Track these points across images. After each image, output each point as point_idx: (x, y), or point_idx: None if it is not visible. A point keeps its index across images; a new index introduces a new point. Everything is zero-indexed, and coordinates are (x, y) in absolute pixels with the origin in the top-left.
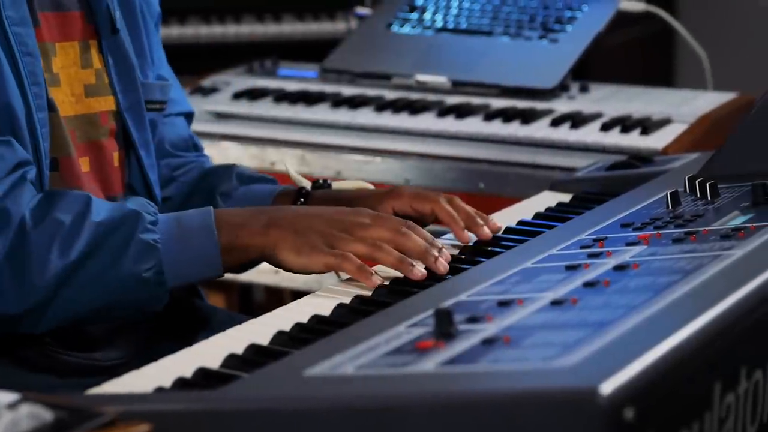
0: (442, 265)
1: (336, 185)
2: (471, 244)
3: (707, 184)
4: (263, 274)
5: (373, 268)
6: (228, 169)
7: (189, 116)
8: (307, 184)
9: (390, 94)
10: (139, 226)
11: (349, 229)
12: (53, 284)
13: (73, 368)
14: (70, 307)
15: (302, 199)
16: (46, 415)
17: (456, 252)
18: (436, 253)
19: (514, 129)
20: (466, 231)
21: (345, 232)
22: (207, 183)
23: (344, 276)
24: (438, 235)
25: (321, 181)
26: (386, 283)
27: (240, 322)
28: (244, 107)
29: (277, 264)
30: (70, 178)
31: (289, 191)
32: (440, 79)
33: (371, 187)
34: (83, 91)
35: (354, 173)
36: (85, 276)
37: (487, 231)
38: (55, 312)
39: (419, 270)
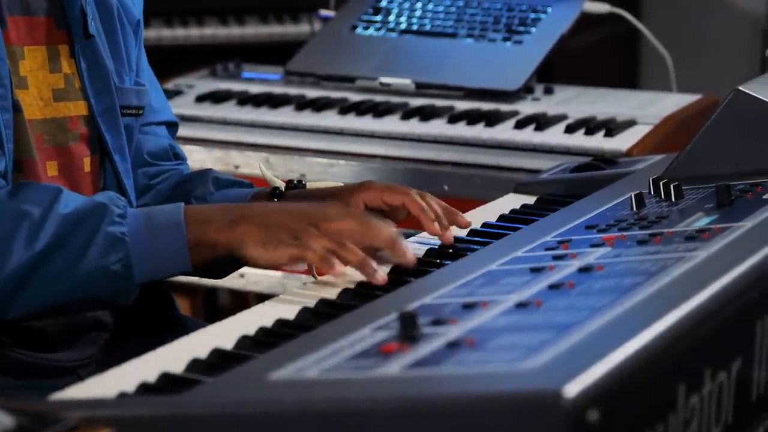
0: (410, 255)
1: (310, 185)
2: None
3: (671, 186)
4: (228, 278)
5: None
6: (204, 175)
7: (172, 126)
8: (281, 185)
9: (354, 97)
10: (107, 218)
11: (316, 223)
12: (17, 274)
13: (32, 369)
14: (36, 298)
15: (276, 200)
16: (7, 420)
17: (421, 254)
18: (403, 248)
19: (479, 131)
20: (435, 223)
21: (312, 226)
22: (183, 189)
23: (309, 279)
24: (405, 237)
25: (295, 182)
26: (351, 286)
27: None
28: (207, 110)
29: (245, 259)
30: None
31: (264, 193)
32: (404, 82)
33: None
34: (51, 95)
35: (318, 176)
36: (51, 268)
37: (449, 235)
38: (21, 302)
39: (381, 275)
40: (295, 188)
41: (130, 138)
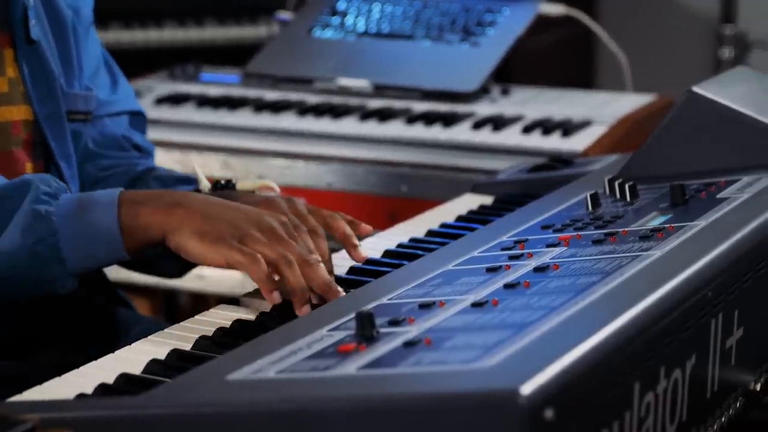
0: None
1: (240, 185)
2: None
3: (627, 186)
4: (188, 280)
5: None
6: (147, 173)
7: (135, 115)
8: (206, 186)
9: (312, 99)
10: (31, 195)
11: (266, 233)
12: None
13: None
14: None
15: None
16: None
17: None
18: (336, 289)
19: (436, 132)
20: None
21: (260, 233)
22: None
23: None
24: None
25: (223, 182)
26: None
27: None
28: (166, 112)
29: (176, 248)
30: None
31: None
32: (362, 83)
33: (275, 186)
34: None
35: (277, 177)
36: None
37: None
38: None
39: (307, 308)
40: (224, 189)
41: (77, 144)
